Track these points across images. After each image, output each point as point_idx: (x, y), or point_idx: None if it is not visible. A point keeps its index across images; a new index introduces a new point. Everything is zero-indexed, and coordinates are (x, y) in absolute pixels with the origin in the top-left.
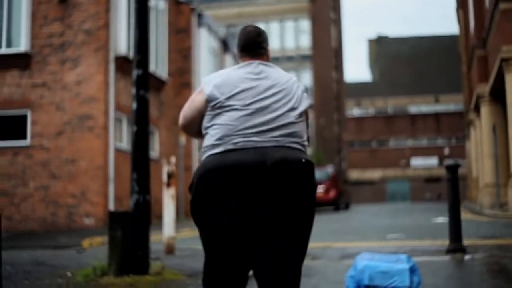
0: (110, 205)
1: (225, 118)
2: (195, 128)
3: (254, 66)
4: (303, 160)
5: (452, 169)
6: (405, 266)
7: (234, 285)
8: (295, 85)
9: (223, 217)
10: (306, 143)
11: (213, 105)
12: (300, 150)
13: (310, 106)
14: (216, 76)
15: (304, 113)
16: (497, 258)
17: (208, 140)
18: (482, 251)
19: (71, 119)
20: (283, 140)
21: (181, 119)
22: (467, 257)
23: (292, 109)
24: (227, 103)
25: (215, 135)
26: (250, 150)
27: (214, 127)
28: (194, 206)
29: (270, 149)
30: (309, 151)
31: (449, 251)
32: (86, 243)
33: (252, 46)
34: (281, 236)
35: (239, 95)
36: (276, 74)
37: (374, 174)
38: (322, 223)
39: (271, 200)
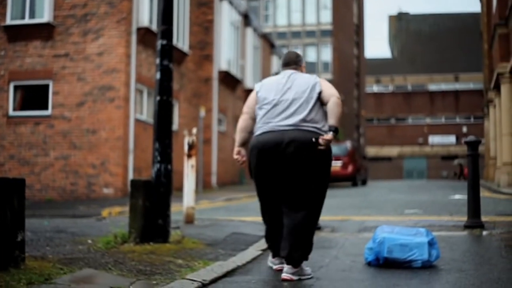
0: (129, 176)
1: (263, 111)
2: (251, 113)
3: (285, 73)
4: (313, 140)
5: (473, 145)
6: (424, 239)
7: (274, 213)
8: (312, 82)
9: (259, 170)
10: (323, 126)
11: (258, 101)
12: (312, 131)
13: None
14: (264, 81)
15: (319, 100)
16: None
17: (256, 125)
18: (500, 227)
19: (92, 90)
20: (299, 124)
21: (244, 108)
22: (485, 232)
23: (307, 101)
24: (264, 100)
25: (258, 122)
26: (276, 133)
27: (258, 117)
28: (249, 164)
29: (289, 131)
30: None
31: (467, 226)
32: (105, 212)
33: (289, 62)
34: (294, 182)
35: (271, 94)
36: (300, 76)
37: (392, 150)
38: (340, 197)
39: (288, 163)
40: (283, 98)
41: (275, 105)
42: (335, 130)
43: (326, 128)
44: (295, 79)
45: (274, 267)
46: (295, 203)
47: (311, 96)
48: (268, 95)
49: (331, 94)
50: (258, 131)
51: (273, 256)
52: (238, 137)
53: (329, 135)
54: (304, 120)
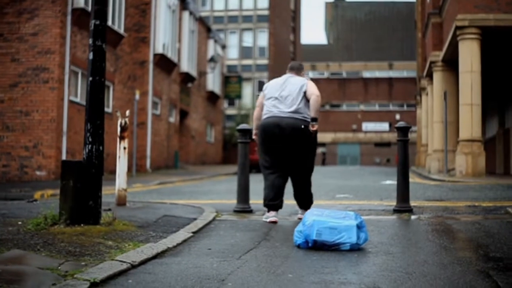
0: (62, 158)
1: (268, 103)
2: (261, 106)
3: (286, 76)
4: (302, 126)
5: (403, 130)
6: (353, 222)
7: (274, 177)
8: (301, 83)
9: (264, 143)
10: (307, 115)
11: (265, 96)
12: (301, 119)
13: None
14: (270, 82)
15: (305, 97)
16: (442, 219)
17: (263, 113)
18: (428, 212)
19: (26, 71)
20: (292, 114)
21: (256, 103)
22: (413, 217)
23: (296, 97)
24: (268, 95)
25: (265, 110)
26: (276, 117)
27: (264, 107)
28: (258, 139)
29: (285, 118)
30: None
31: (396, 210)
32: (37, 194)
33: (292, 68)
34: (291, 155)
35: (273, 91)
36: (293, 79)
37: (326, 136)
38: None
39: (283, 141)
40: (281, 94)
41: (275, 99)
42: (314, 120)
43: (309, 117)
44: (290, 81)
45: (268, 220)
46: (293, 171)
47: (300, 94)
48: (271, 92)
49: (312, 93)
50: (264, 116)
51: (271, 210)
52: (254, 123)
53: (315, 127)
54: (295, 111)
